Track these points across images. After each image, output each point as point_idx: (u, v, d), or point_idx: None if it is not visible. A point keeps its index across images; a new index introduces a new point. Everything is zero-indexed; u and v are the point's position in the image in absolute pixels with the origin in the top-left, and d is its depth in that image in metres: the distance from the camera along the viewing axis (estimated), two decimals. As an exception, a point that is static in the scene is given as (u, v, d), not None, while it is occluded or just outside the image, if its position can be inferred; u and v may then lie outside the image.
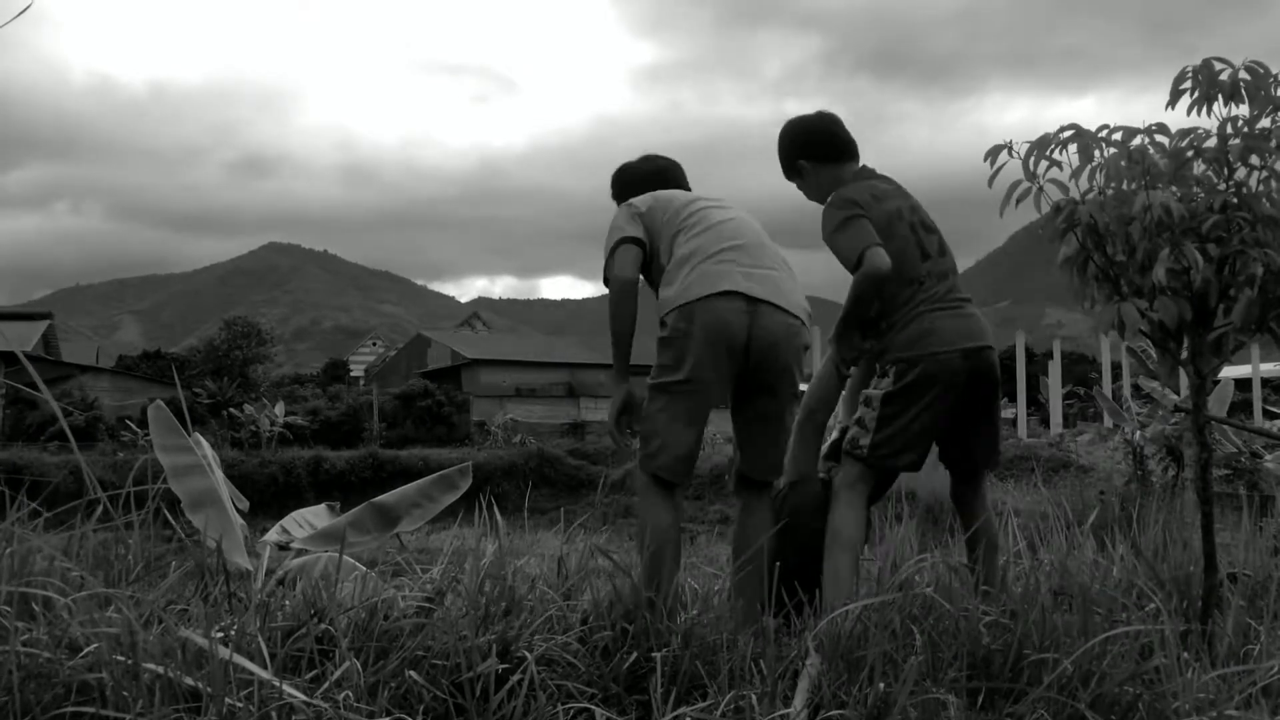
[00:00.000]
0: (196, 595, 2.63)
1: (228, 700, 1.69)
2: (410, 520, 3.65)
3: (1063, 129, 2.48)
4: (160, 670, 1.72)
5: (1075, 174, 2.49)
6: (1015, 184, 2.50)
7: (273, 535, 3.67)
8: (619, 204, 3.13)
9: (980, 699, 2.08)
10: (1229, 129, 2.42)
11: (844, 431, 3.10)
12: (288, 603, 2.24)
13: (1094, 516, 4.10)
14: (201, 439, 3.66)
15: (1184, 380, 8.89)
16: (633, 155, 3.34)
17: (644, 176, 3.20)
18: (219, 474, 3.54)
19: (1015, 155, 2.51)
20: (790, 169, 3.18)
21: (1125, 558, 3.13)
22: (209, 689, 1.69)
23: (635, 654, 2.10)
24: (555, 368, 44.94)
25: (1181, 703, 2.00)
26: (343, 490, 17.60)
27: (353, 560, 3.31)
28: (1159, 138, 2.47)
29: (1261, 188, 2.41)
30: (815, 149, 3.12)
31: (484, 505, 2.99)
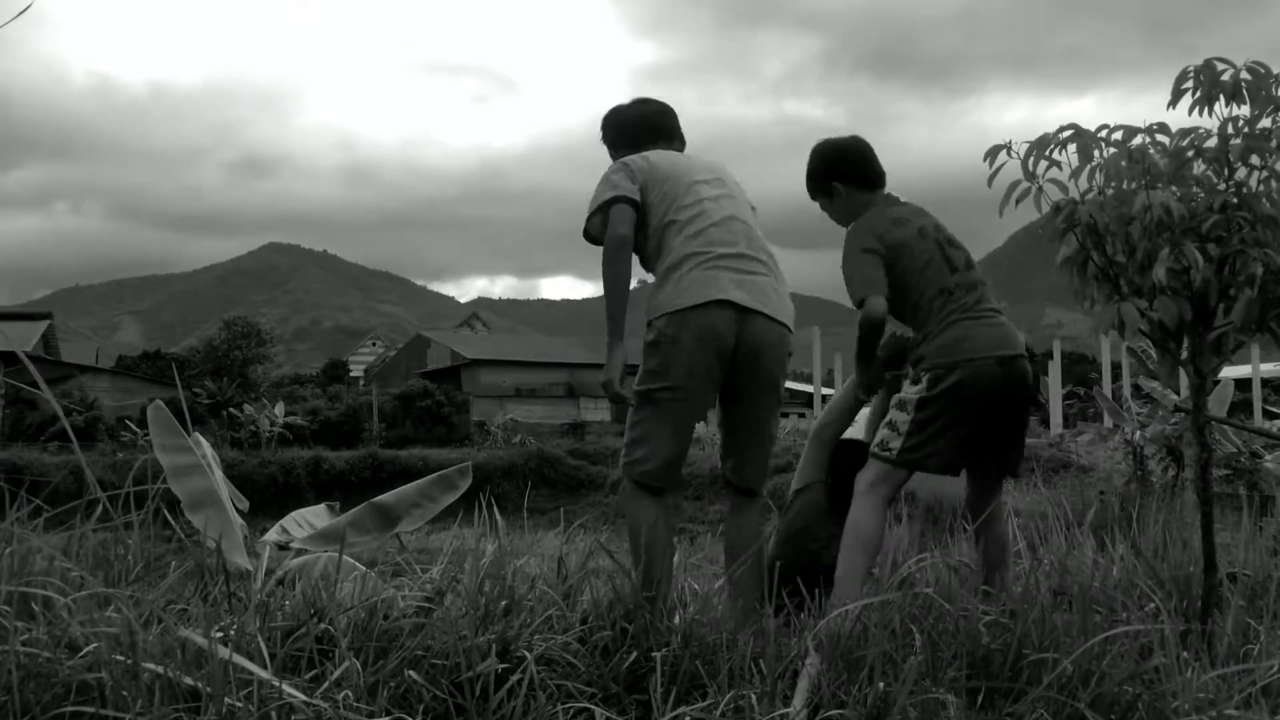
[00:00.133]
0: (196, 595, 2.63)
1: (227, 700, 1.69)
2: (410, 520, 3.65)
3: (1062, 129, 2.48)
4: (160, 670, 1.72)
5: (1075, 174, 2.49)
6: (1015, 184, 2.50)
7: (272, 535, 3.67)
8: (610, 148, 3.12)
9: (980, 698, 2.08)
10: (1230, 129, 2.42)
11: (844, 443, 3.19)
12: (287, 603, 2.24)
13: (1093, 516, 4.09)
14: (201, 439, 3.67)
15: (1184, 380, 8.89)
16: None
17: (637, 120, 3.15)
18: (219, 474, 3.54)
19: (1015, 155, 2.51)
20: (821, 189, 3.19)
21: (1125, 557, 3.13)
22: (208, 689, 1.69)
23: (635, 654, 2.10)
24: (555, 368, 44.96)
25: (1181, 702, 2.00)
26: (342, 490, 17.57)
27: (352, 560, 3.31)
28: (1159, 137, 2.47)
29: (1261, 188, 2.40)
30: (851, 173, 3.15)
31: (484, 505, 2.98)
